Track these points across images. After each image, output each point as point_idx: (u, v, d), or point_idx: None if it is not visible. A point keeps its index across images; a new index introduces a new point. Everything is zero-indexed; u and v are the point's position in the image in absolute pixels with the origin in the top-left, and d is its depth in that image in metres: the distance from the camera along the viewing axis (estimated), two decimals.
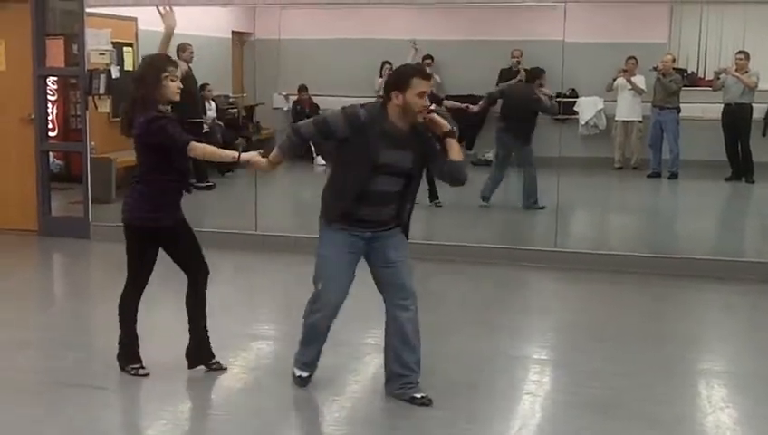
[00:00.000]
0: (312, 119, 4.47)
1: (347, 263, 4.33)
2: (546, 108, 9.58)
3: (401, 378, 4.38)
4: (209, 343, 4.86)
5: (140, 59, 4.98)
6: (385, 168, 4.18)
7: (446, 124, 4.34)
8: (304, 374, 4.56)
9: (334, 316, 4.43)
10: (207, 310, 4.90)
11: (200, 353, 4.81)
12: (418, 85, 4.11)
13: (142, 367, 4.72)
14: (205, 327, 4.86)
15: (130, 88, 4.60)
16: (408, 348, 4.36)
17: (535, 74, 9.75)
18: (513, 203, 9.64)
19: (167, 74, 4.52)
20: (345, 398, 4.53)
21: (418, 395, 4.35)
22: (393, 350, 4.39)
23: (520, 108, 9.44)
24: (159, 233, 4.69)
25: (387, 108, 4.19)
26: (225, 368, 4.83)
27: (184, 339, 4.85)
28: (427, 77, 4.21)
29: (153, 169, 4.60)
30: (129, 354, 4.75)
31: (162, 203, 4.64)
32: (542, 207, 9.24)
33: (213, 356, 4.84)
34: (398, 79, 4.17)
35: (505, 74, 11.47)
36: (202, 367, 4.82)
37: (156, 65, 4.57)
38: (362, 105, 4.25)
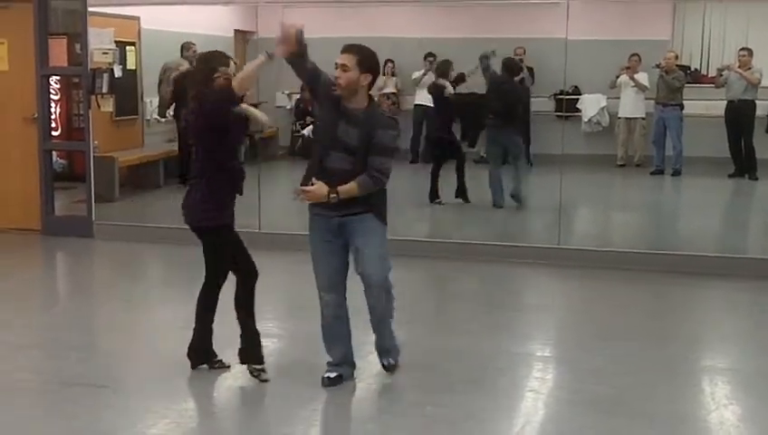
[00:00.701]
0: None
1: (328, 251, 4.45)
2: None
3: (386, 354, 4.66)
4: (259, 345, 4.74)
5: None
6: (337, 142, 4.33)
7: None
8: (331, 375, 4.57)
9: (336, 306, 4.51)
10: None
11: (248, 353, 4.73)
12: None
13: (222, 362, 4.76)
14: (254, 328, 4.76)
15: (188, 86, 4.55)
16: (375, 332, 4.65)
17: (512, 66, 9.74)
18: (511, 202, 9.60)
19: (218, 74, 4.50)
20: (348, 396, 4.53)
21: (386, 362, 4.72)
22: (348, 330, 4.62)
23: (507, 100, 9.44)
24: (222, 231, 4.67)
25: None
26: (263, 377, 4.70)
27: (185, 336, 4.85)
28: (344, 48, 4.42)
29: (213, 165, 4.57)
30: (202, 352, 4.74)
31: (227, 201, 4.68)
32: (519, 203, 9.34)
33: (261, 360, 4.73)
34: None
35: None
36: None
37: (210, 65, 4.54)
38: None
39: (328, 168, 4.33)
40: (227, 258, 4.68)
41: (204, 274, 4.71)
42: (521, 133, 9.56)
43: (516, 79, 9.75)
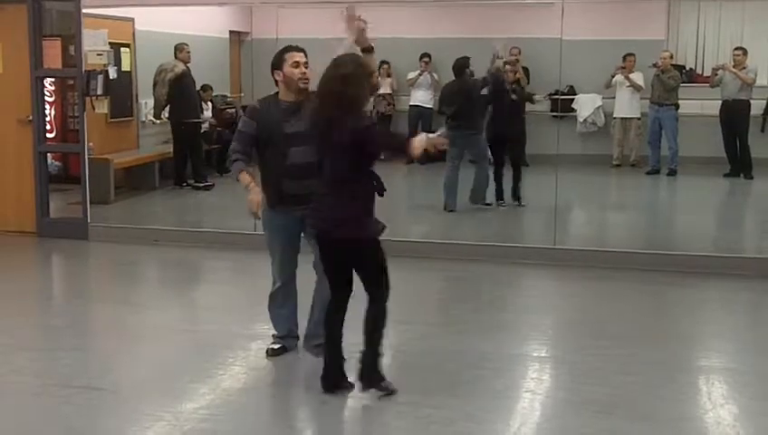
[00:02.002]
0: (235, 138, 4.79)
1: (285, 240, 4.79)
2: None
3: (318, 338, 4.70)
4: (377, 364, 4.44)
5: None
6: (295, 138, 4.55)
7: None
8: (273, 346, 5.01)
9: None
10: (210, 311, 4.86)
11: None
12: (291, 57, 4.62)
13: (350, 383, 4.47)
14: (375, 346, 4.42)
15: (332, 85, 4.22)
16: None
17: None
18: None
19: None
20: (345, 397, 4.52)
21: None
22: (317, 312, 4.77)
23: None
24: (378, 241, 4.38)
25: (278, 90, 4.70)
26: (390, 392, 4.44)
27: (181, 338, 4.84)
28: (299, 49, 4.68)
29: (364, 175, 4.29)
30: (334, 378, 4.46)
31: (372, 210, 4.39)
32: (488, 204, 9.33)
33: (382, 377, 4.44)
34: (274, 60, 4.67)
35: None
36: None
37: (367, 69, 4.32)
38: (253, 104, 4.79)
39: (294, 164, 4.59)
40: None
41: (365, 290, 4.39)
42: (481, 135, 9.42)
43: (509, 88, 9.64)
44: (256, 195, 4.63)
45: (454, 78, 9.46)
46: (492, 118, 9.49)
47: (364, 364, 4.37)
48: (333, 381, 4.43)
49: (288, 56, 4.63)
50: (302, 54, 4.68)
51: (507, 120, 9.43)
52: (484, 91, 9.30)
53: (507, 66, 9.73)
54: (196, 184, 10.65)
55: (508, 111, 9.45)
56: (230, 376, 4.84)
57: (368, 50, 4.54)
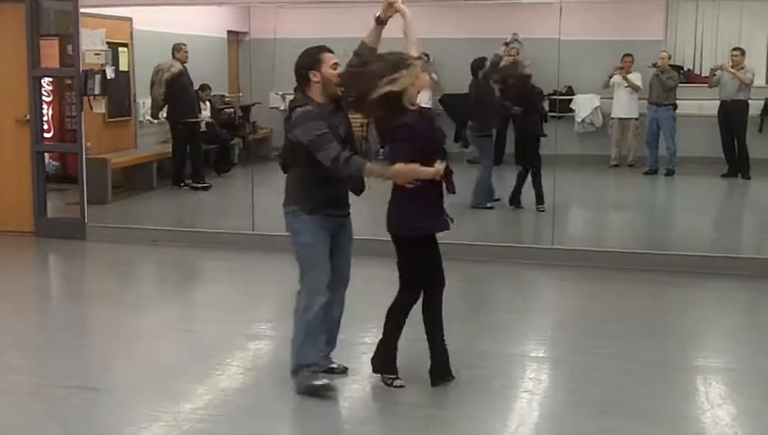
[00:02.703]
0: (321, 142, 4.31)
1: (327, 247, 4.50)
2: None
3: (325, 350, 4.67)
4: (448, 357, 4.59)
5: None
6: (343, 141, 4.39)
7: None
8: (326, 381, 4.47)
9: (327, 306, 4.54)
10: (208, 311, 4.86)
11: (440, 369, 4.58)
12: (329, 59, 4.41)
13: (398, 378, 4.54)
14: (442, 340, 4.59)
15: (374, 84, 4.21)
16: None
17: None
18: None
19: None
20: (342, 397, 4.52)
21: (335, 365, 4.73)
22: (332, 331, 4.68)
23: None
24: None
25: (308, 92, 4.43)
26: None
27: (178, 338, 4.83)
28: (331, 50, 4.48)
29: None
30: (389, 362, 4.56)
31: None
32: (490, 207, 9.25)
33: (450, 372, 4.59)
34: (308, 60, 4.43)
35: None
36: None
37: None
38: (296, 104, 4.46)
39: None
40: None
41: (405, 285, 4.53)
42: (490, 137, 9.39)
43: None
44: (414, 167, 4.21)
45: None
46: (514, 118, 9.43)
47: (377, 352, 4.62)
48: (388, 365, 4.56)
49: (326, 57, 4.40)
50: (335, 56, 4.48)
51: (526, 120, 9.33)
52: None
53: (504, 49, 9.55)
54: (194, 184, 10.64)
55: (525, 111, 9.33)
56: (228, 376, 4.83)
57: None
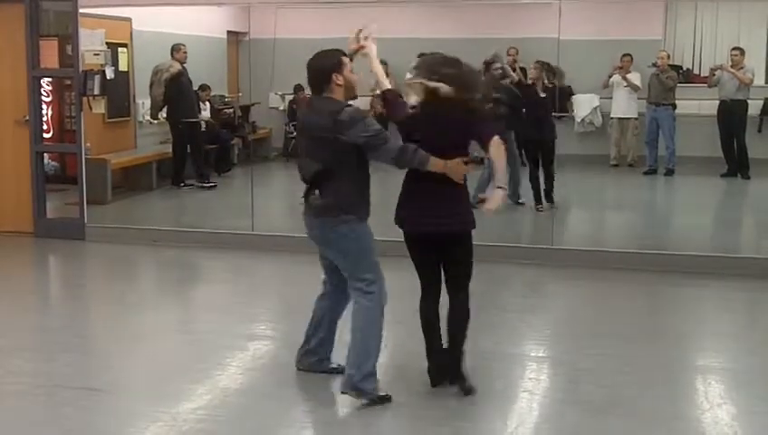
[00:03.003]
0: (384, 137, 4.28)
1: None
2: None
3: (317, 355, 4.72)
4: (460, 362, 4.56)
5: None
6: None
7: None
8: (386, 393, 4.42)
9: None
10: (208, 312, 4.85)
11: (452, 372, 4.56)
12: (348, 62, 4.41)
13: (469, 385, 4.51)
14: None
15: (456, 93, 4.27)
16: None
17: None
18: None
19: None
20: (342, 398, 4.51)
21: (335, 365, 4.69)
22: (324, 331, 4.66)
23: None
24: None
25: (329, 94, 4.34)
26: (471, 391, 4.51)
27: (178, 339, 4.83)
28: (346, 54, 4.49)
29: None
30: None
31: None
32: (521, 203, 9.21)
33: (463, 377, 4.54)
34: (331, 63, 4.36)
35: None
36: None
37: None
38: (342, 105, 4.33)
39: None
40: None
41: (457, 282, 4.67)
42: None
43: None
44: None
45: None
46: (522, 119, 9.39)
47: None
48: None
49: (346, 60, 4.39)
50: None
51: (536, 120, 9.27)
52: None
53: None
54: (201, 184, 10.63)
55: (536, 111, 9.30)
56: (228, 377, 4.83)
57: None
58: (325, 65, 4.35)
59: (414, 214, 4.45)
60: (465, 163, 4.32)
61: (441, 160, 4.26)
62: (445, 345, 4.56)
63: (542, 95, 9.19)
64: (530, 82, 9.34)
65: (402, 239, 4.53)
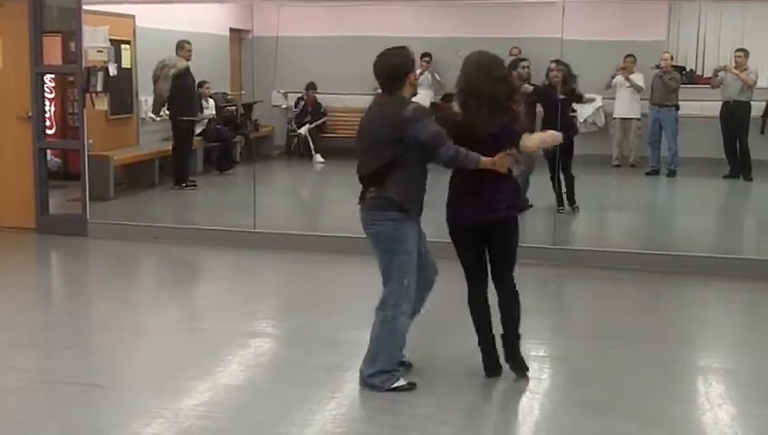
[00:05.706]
0: (444, 136, 4.33)
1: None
2: None
3: None
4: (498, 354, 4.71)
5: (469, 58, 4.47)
6: None
7: None
8: (408, 382, 4.53)
9: None
10: (209, 309, 4.85)
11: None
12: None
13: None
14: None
15: (483, 87, 4.38)
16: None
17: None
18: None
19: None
20: (343, 395, 4.53)
21: (405, 358, 4.69)
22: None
23: None
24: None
25: (399, 92, 4.38)
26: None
27: (180, 335, 4.83)
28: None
29: None
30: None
31: None
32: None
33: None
34: (406, 62, 4.40)
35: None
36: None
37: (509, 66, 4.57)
38: (408, 101, 4.39)
39: None
40: None
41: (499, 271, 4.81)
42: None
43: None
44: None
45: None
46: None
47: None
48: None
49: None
50: None
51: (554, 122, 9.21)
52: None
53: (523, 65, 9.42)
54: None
55: (554, 113, 9.21)
56: (229, 373, 4.84)
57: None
58: (402, 64, 4.38)
59: (463, 208, 4.58)
60: (509, 155, 4.44)
61: (490, 158, 4.36)
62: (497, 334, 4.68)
63: (562, 97, 9.12)
64: (548, 82, 9.18)
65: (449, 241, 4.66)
